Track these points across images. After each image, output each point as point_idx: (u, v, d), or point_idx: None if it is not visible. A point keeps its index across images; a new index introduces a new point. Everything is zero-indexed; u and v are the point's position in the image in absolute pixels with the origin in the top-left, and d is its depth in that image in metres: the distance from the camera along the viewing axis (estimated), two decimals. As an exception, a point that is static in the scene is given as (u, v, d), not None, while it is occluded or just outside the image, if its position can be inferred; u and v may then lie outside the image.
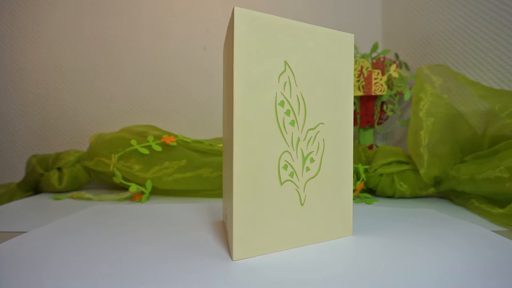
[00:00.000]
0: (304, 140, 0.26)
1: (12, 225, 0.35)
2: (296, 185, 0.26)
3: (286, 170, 0.25)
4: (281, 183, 0.25)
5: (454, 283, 0.20)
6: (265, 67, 0.24)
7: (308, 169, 0.26)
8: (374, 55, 0.66)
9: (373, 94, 0.59)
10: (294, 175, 0.25)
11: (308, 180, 0.26)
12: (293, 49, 0.25)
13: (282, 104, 0.25)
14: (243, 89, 0.23)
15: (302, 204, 0.26)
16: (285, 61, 0.25)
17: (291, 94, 0.25)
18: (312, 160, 0.26)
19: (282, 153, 0.25)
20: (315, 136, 0.26)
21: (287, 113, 0.25)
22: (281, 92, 0.24)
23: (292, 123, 0.25)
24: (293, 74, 0.25)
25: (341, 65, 0.28)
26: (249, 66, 0.23)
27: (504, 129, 0.41)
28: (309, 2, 0.75)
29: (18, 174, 0.66)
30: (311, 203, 0.26)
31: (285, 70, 0.25)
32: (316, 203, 0.27)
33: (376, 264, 0.22)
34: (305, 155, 0.26)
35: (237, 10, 0.22)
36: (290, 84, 0.25)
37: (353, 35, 0.28)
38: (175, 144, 0.52)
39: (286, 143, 0.25)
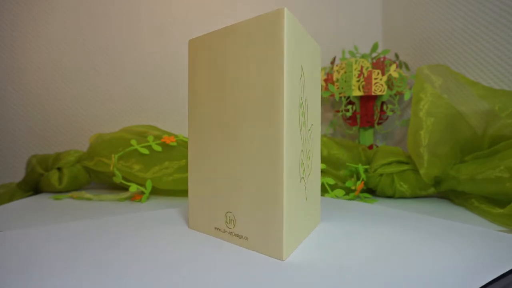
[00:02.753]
0: (306, 139, 0.28)
1: (12, 225, 0.35)
2: (305, 181, 0.27)
3: (301, 167, 0.26)
4: (300, 180, 0.26)
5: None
6: (295, 70, 0.25)
7: (308, 166, 0.28)
8: (374, 55, 0.66)
9: (373, 94, 0.59)
10: (304, 172, 0.27)
11: (308, 176, 0.28)
12: (304, 55, 0.27)
13: (301, 105, 0.26)
14: (289, 90, 0.23)
15: (306, 199, 0.28)
16: (301, 65, 0.26)
17: (303, 96, 0.27)
18: (309, 158, 0.28)
19: (300, 152, 0.26)
20: (310, 136, 0.29)
21: (302, 114, 0.26)
22: (300, 95, 0.26)
23: (304, 124, 0.27)
24: (305, 79, 0.27)
25: (317, 72, 0.31)
26: (290, 69, 0.24)
27: (504, 129, 0.41)
28: (309, 2, 0.75)
29: (18, 174, 0.66)
30: (309, 197, 0.29)
31: (302, 75, 0.26)
32: (310, 197, 0.29)
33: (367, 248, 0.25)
34: (307, 153, 0.28)
35: (287, 12, 0.23)
36: (304, 88, 0.26)
37: (319, 46, 0.32)
38: (175, 144, 0.52)
39: (302, 142, 0.26)
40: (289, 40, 0.23)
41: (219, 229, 0.28)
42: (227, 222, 0.27)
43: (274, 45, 0.23)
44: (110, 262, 0.23)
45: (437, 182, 0.47)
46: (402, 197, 0.49)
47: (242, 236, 0.26)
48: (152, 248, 0.26)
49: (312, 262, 0.23)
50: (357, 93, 0.60)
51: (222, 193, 0.28)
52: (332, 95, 0.63)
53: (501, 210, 0.36)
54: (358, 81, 0.60)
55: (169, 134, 0.56)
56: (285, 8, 0.23)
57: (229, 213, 0.27)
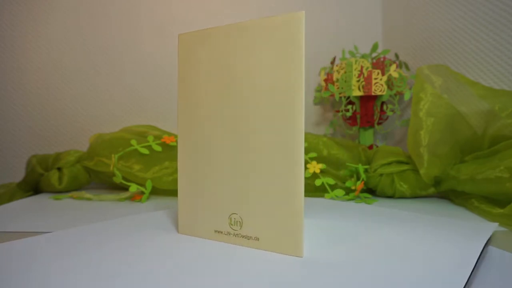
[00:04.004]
0: None
1: (12, 225, 0.35)
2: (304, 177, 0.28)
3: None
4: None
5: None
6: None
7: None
8: (374, 55, 0.66)
9: (373, 94, 0.59)
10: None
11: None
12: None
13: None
14: (303, 92, 0.24)
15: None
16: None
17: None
18: None
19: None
20: None
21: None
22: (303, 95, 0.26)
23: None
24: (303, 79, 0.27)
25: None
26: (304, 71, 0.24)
27: (504, 129, 0.41)
28: (309, 2, 0.75)
29: (18, 174, 0.66)
30: None
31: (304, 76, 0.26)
32: None
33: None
34: None
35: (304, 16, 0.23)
36: (304, 88, 0.27)
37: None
38: (175, 144, 0.52)
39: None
40: (304, 44, 0.24)
41: (221, 232, 0.27)
42: (231, 224, 0.26)
43: (292, 48, 0.23)
44: (109, 264, 0.23)
45: (437, 182, 0.47)
46: (402, 197, 0.49)
47: (251, 237, 0.25)
48: (158, 251, 0.26)
49: (328, 258, 0.23)
50: (357, 93, 0.60)
51: (224, 194, 0.27)
52: (332, 95, 0.63)
53: (501, 210, 0.36)
54: (358, 81, 0.60)
55: (169, 134, 0.56)
56: (303, 12, 0.23)
57: (234, 214, 0.26)
